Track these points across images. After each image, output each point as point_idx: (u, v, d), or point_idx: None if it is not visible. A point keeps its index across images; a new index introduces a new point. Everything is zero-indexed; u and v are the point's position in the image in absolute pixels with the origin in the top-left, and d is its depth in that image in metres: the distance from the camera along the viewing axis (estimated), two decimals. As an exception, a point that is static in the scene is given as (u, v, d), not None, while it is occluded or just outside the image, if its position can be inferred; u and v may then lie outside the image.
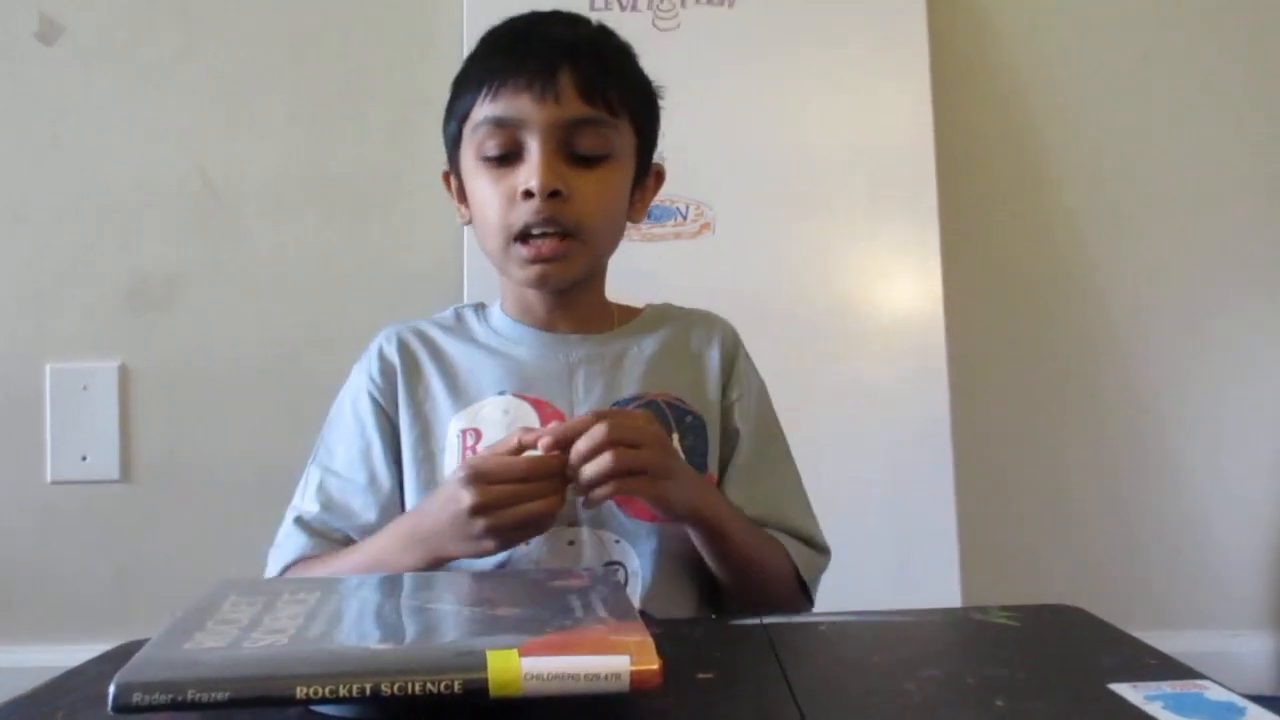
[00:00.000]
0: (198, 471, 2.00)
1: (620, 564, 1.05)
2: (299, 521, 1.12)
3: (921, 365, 1.86)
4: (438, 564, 0.98)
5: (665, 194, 1.87)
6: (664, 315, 1.21)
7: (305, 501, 1.13)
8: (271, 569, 1.11)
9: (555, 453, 0.93)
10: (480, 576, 0.95)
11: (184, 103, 2.04)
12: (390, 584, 0.86)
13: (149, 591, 1.99)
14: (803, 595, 1.11)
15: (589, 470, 0.92)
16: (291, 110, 2.04)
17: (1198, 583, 2.02)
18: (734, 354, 1.18)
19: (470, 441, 1.09)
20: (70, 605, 2.00)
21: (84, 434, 2.01)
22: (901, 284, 1.91)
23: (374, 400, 1.14)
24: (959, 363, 1.88)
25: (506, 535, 0.94)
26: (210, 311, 2.03)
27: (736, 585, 1.07)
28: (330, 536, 1.10)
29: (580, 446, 0.92)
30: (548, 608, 0.75)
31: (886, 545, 1.79)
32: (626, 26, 1.89)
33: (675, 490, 0.98)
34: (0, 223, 2.02)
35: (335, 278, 2.02)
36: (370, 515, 1.10)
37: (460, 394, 1.12)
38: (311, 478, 1.14)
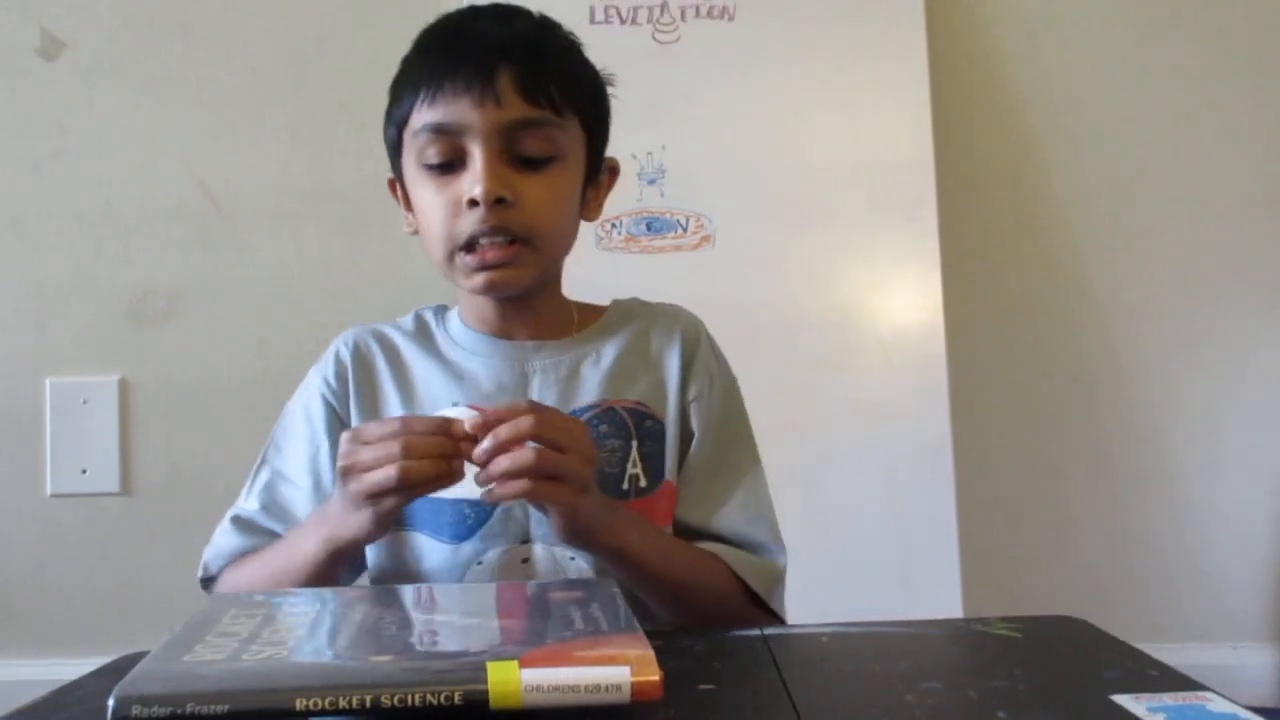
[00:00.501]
0: (197, 485, 2.00)
1: None
2: (236, 520, 1.10)
3: (922, 378, 1.86)
4: (334, 548, 0.95)
5: (666, 206, 1.88)
6: (627, 315, 1.16)
7: (247, 501, 1.11)
8: (208, 566, 1.10)
9: (442, 418, 0.89)
10: (479, 589, 0.94)
11: (185, 117, 2.04)
12: (390, 596, 0.85)
13: (148, 605, 1.98)
14: (760, 609, 1.06)
15: (504, 462, 0.86)
16: (292, 124, 2.04)
17: (1199, 595, 2.02)
18: (694, 350, 1.13)
19: None
20: (69, 618, 2.00)
21: (84, 447, 2.01)
22: (902, 297, 1.91)
23: (327, 403, 1.11)
24: (959, 375, 1.88)
25: (372, 501, 0.88)
26: (211, 325, 2.03)
27: (671, 611, 1.03)
28: (268, 536, 1.08)
29: (502, 433, 0.86)
30: (548, 619, 0.74)
31: (888, 556, 1.78)
32: (627, 41, 1.92)
33: (587, 507, 0.91)
34: (1, 237, 2.03)
35: (336, 291, 2.02)
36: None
37: (415, 405, 1.09)
38: (258, 477, 1.12)
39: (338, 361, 1.13)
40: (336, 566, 0.98)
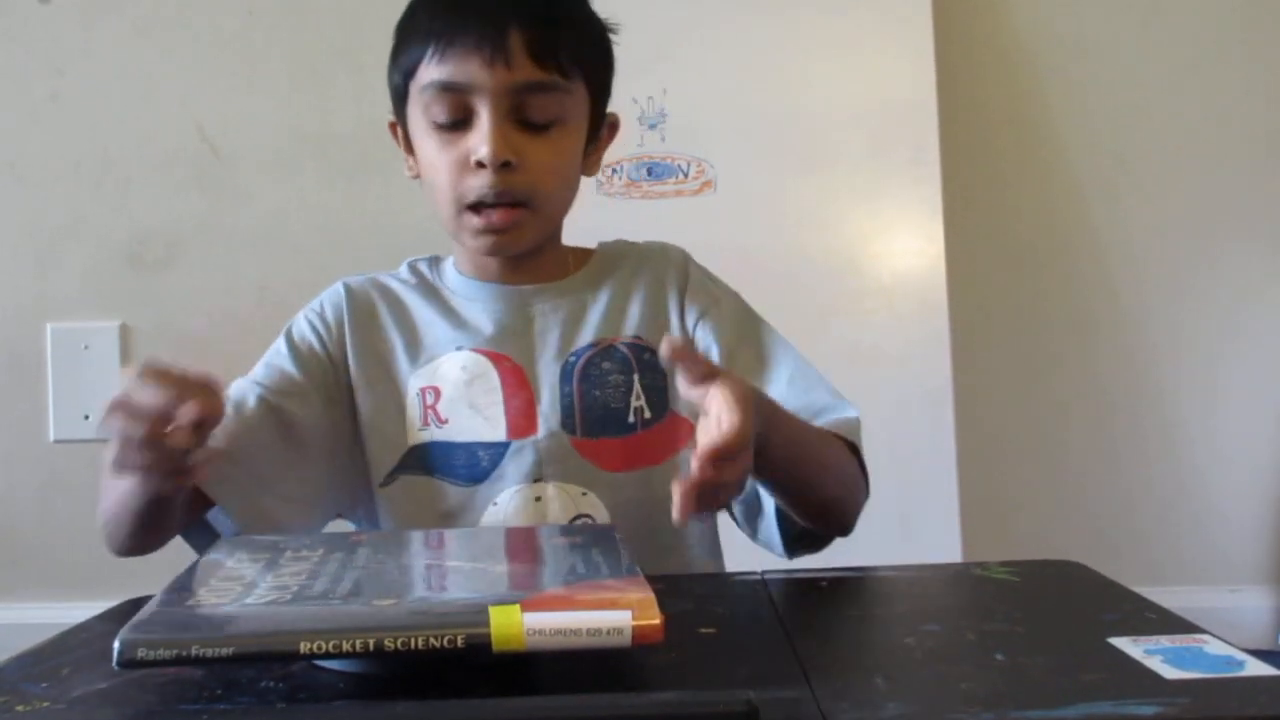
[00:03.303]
0: (200, 431, 2.00)
1: (589, 516, 1.05)
2: None
3: (923, 324, 1.86)
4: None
5: (667, 151, 1.87)
6: (617, 254, 1.16)
7: None
8: None
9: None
10: (483, 534, 0.95)
11: (182, 60, 2.02)
12: (393, 541, 0.86)
13: (152, 550, 1.99)
14: (863, 477, 1.03)
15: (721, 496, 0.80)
16: (291, 68, 2.03)
17: (1197, 538, 2.03)
18: (685, 278, 1.13)
19: (430, 400, 1.07)
20: (73, 563, 2.01)
21: (86, 393, 2.01)
22: (903, 243, 1.90)
23: (314, 329, 1.10)
24: (960, 321, 1.87)
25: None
26: (211, 270, 2.02)
27: (815, 503, 0.98)
28: None
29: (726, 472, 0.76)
30: (550, 564, 0.75)
31: (888, 502, 1.76)
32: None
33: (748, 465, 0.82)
34: (0, 182, 2.02)
35: (336, 235, 2.01)
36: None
37: (418, 351, 1.10)
38: None
39: (333, 305, 1.12)
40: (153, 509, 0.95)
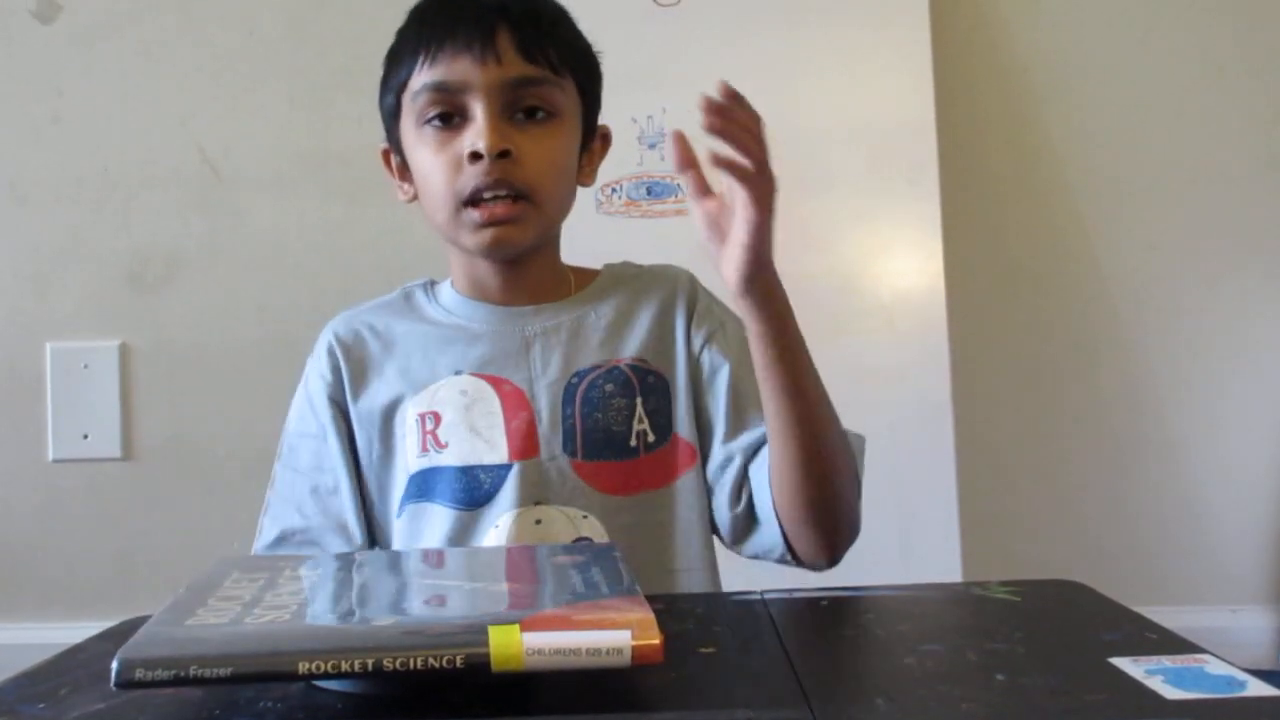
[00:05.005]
0: (199, 450, 2.00)
1: (589, 539, 1.04)
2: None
3: (923, 341, 1.86)
4: None
5: (667, 170, 1.87)
6: (621, 276, 1.16)
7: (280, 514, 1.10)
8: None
9: None
10: (482, 553, 0.95)
11: (183, 81, 2.03)
12: (392, 560, 0.86)
13: (150, 569, 1.99)
14: (858, 502, 1.04)
15: (749, 141, 0.83)
16: (291, 88, 2.03)
17: (1197, 558, 2.02)
18: (694, 302, 1.13)
19: (430, 426, 1.07)
20: (72, 583, 2.01)
21: (85, 413, 2.01)
22: (903, 261, 1.90)
23: (330, 400, 1.11)
24: (960, 340, 1.88)
25: None
26: (211, 290, 2.03)
27: (810, 448, 0.97)
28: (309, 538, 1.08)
29: (741, 117, 0.83)
30: (550, 583, 0.75)
31: (888, 521, 1.79)
32: (628, 4, 1.90)
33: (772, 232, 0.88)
34: (0, 202, 2.02)
35: (336, 255, 2.02)
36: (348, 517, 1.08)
37: (415, 378, 1.09)
38: (284, 483, 1.11)
39: (330, 354, 1.12)
40: None
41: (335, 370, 1.11)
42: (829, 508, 1.00)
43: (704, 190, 0.89)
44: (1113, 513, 2.03)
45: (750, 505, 1.06)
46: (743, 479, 1.07)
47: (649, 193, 1.88)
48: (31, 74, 2.02)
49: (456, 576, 0.81)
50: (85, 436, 2.01)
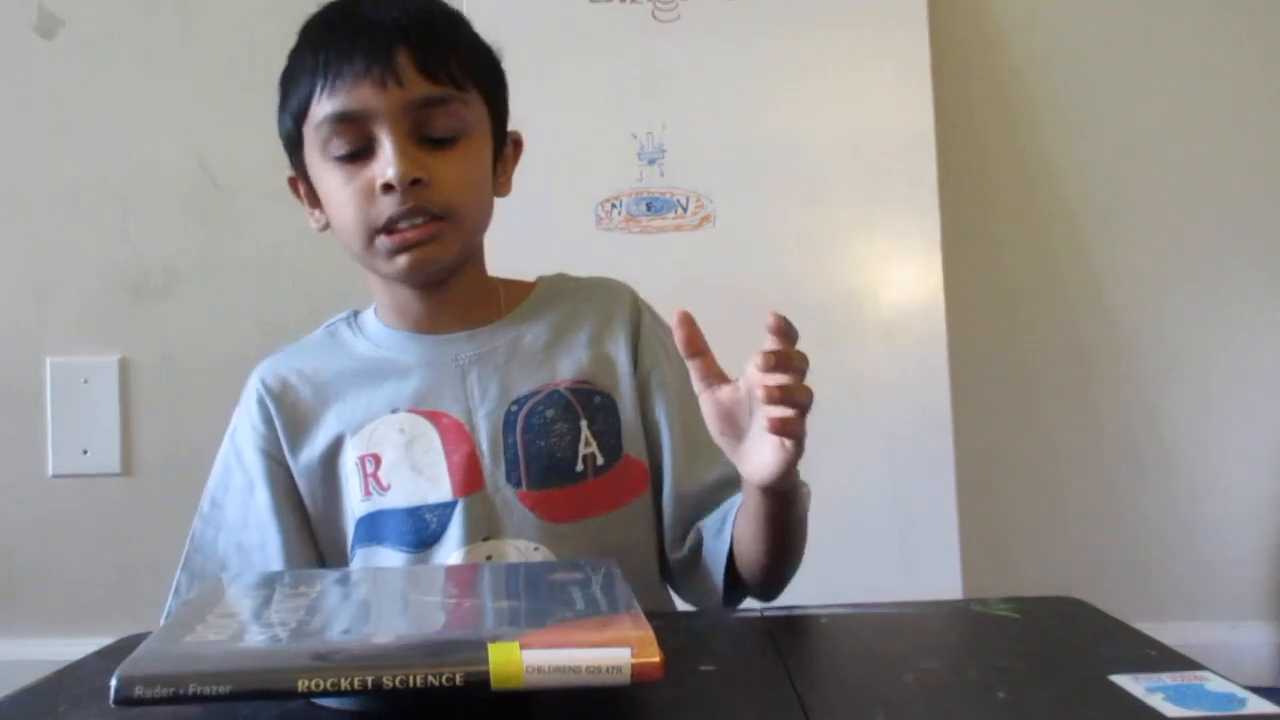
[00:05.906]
0: (199, 465, 1.97)
1: None
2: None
3: (922, 354, 1.86)
4: None
5: (666, 186, 1.87)
6: (558, 290, 1.13)
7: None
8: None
9: None
10: (480, 570, 0.95)
11: (184, 93, 2.03)
12: (390, 578, 0.86)
13: (150, 585, 1.97)
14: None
15: (802, 398, 0.80)
16: (291, 102, 2.03)
17: (1198, 574, 2.02)
18: (638, 320, 1.10)
19: (370, 468, 1.04)
20: (71, 599, 2.00)
21: (85, 428, 2.01)
22: (902, 275, 1.91)
23: (262, 451, 1.09)
24: (960, 353, 1.88)
25: None
26: (210, 303, 2.02)
27: (778, 559, 0.97)
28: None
29: (796, 363, 0.81)
30: (549, 600, 0.75)
31: (887, 537, 1.79)
32: (627, 19, 1.91)
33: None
34: (0, 214, 2.02)
35: (336, 269, 2.00)
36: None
37: (351, 419, 1.06)
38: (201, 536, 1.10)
39: (260, 404, 1.10)
40: None
41: (268, 421, 1.09)
42: (789, 572, 1.00)
43: (713, 377, 0.86)
44: (1112, 527, 2.03)
45: (696, 554, 1.04)
46: (688, 528, 1.06)
47: (649, 208, 1.88)
48: (32, 86, 2.02)
49: (455, 594, 0.81)
50: (85, 451, 2.01)
